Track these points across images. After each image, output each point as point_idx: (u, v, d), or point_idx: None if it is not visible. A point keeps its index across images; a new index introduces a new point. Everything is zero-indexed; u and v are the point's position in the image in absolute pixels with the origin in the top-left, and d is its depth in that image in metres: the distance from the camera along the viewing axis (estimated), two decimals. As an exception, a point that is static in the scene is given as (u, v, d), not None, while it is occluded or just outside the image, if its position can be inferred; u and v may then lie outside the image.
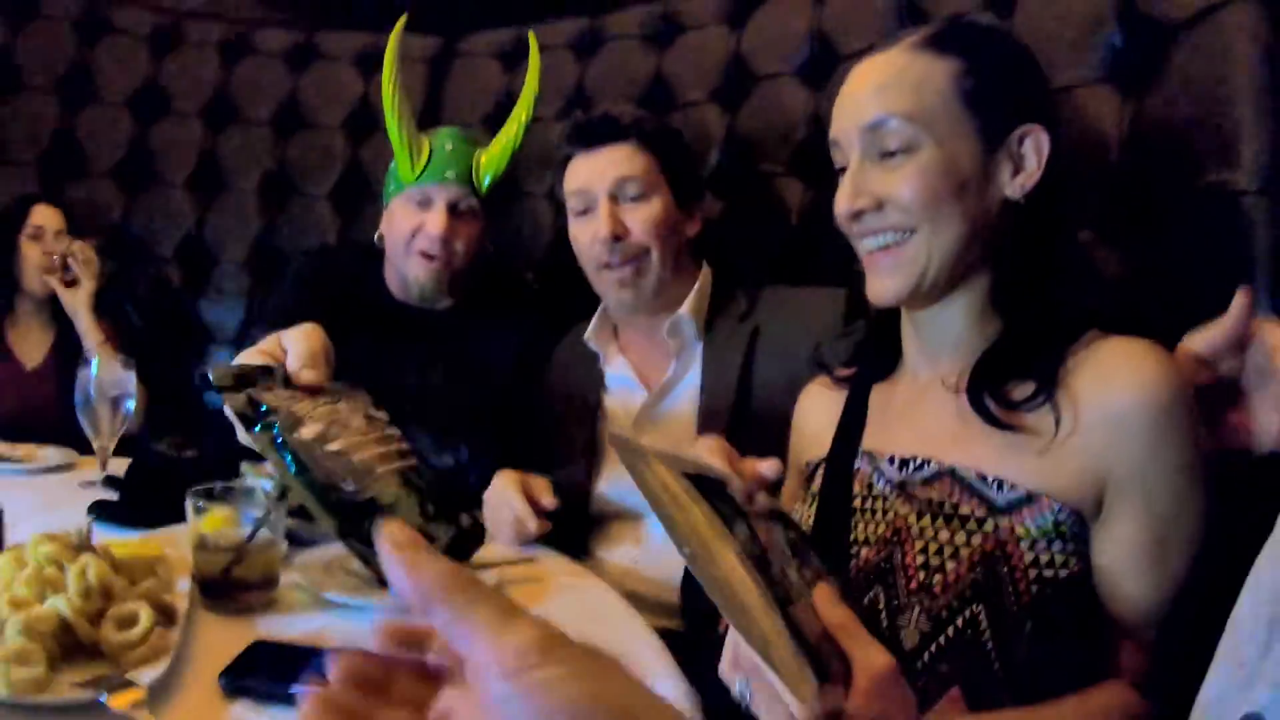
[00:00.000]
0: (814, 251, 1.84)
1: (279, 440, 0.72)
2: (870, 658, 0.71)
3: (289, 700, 0.82)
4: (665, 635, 1.16)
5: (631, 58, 2.27)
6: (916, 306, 1.06)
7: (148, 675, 0.82)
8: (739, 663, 0.79)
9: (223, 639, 0.94)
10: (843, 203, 1.01)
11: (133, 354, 1.78)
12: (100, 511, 1.38)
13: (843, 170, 1.03)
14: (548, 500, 1.41)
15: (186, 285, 2.54)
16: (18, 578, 0.94)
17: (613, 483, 1.61)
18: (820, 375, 1.23)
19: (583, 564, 1.44)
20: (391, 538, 0.38)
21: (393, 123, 1.79)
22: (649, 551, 1.57)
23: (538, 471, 1.50)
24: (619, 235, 1.55)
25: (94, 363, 1.65)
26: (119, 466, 1.60)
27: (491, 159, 1.82)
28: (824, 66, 1.95)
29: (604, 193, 1.57)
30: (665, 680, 0.98)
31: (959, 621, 0.91)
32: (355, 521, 0.70)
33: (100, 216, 2.54)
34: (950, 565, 0.92)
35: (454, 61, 2.51)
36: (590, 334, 1.70)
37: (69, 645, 0.87)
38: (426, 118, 2.26)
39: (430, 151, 1.78)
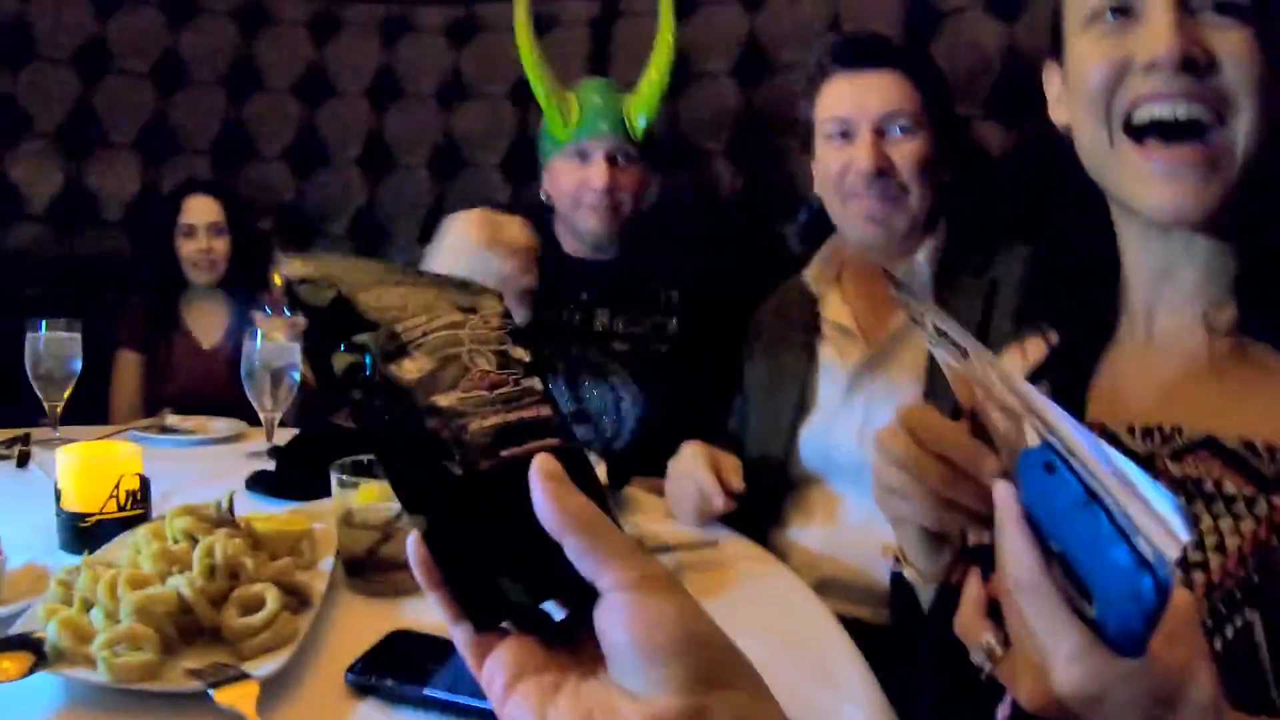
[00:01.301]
0: (1017, 200, 1.63)
1: (366, 373, 0.43)
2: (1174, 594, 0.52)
3: (422, 703, 0.69)
4: (860, 626, 1.01)
5: (804, 3, 2.10)
6: (1198, 226, 0.79)
7: (267, 666, 0.71)
8: (986, 607, 0.61)
9: (361, 626, 0.83)
10: (1164, 36, 0.74)
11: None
12: (256, 482, 1.33)
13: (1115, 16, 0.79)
14: (737, 483, 1.27)
15: (361, 261, 2.54)
16: (146, 553, 0.86)
17: (813, 442, 1.47)
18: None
19: (771, 547, 1.29)
20: (543, 468, 0.41)
21: (536, 82, 1.82)
22: (844, 532, 1.42)
23: (702, 429, 1.38)
24: (882, 170, 1.40)
25: (258, 333, 1.62)
26: (289, 438, 1.56)
27: (640, 103, 1.80)
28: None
29: (869, 124, 1.41)
30: (854, 681, 0.83)
31: (1227, 632, 0.69)
32: (447, 523, 0.42)
33: (272, 198, 2.58)
34: (1215, 561, 0.70)
35: (617, 21, 2.39)
36: (810, 274, 1.55)
37: (191, 628, 0.78)
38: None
39: (580, 107, 1.79)
